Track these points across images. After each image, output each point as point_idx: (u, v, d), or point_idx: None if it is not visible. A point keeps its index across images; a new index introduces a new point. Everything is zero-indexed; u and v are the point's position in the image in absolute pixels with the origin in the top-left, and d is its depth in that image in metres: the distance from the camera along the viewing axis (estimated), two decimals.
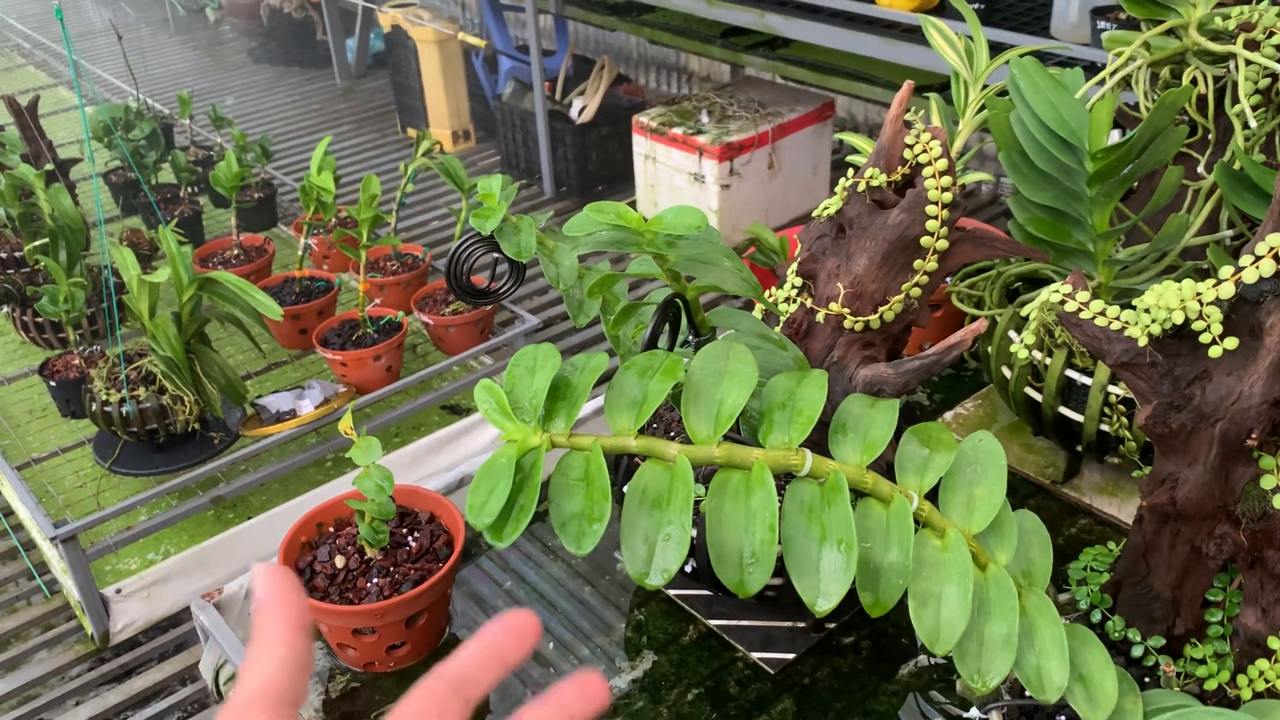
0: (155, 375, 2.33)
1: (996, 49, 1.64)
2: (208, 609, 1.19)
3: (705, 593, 1.24)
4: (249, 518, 2.48)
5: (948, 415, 1.53)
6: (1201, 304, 0.85)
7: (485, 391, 0.76)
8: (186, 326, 2.29)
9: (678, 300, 0.97)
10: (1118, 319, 0.91)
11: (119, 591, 2.30)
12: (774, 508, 0.76)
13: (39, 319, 2.79)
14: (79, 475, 2.55)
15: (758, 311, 1.18)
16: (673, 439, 1.28)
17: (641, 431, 0.81)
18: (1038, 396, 1.34)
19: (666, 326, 0.99)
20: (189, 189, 3.40)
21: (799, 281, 1.21)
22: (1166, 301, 0.86)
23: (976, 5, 2.66)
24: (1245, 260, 0.84)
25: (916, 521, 0.83)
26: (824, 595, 0.76)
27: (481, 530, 0.72)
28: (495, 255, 1.09)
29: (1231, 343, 0.84)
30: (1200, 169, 1.31)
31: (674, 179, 3.62)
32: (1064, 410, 1.32)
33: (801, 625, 1.20)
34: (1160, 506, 0.92)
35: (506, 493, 0.71)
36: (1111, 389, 1.26)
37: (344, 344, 2.59)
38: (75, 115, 4.87)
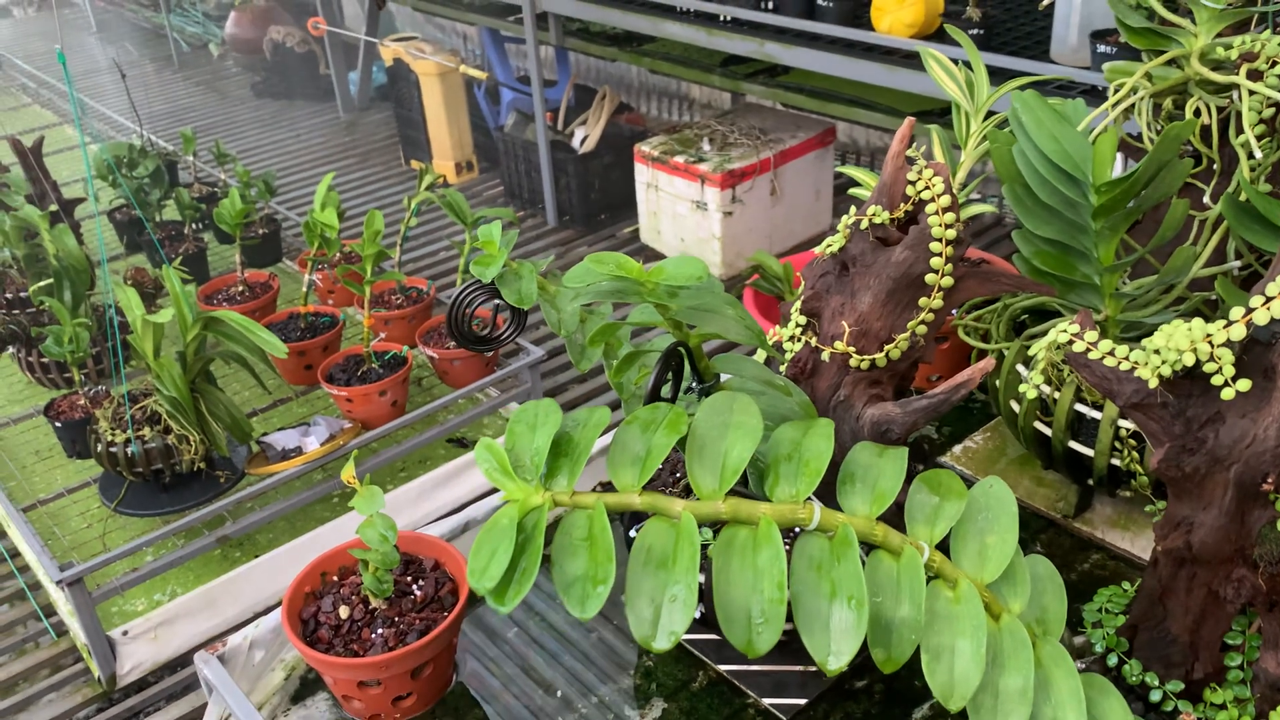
0: (160, 415, 2.32)
1: (996, 74, 1.64)
2: (211, 662, 1.18)
3: (715, 637, 1.22)
4: (256, 556, 2.47)
5: (956, 449, 1.52)
6: (1212, 345, 0.84)
7: (486, 451, 0.75)
8: (191, 365, 2.28)
9: (680, 349, 0.96)
10: (1127, 359, 0.90)
11: (126, 633, 2.29)
12: (782, 565, 0.75)
13: (44, 359, 2.79)
14: (85, 516, 2.54)
15: (760, 355, 1.16)
16: (679, 480, 1.27)
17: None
18: (1047, 431, 1.32)
19: (669, 374, 0.98)
20: (193, 226, 3.41)
21: (803, 320, 1.20)
22: (1176, 343, 0.85)
23: (974, 31, 2.65)
24: (1256, 301, 0.83)
25: (928, 573, 0.82)
26: (835, 654, 0.74)
27: (484, 595, 0.70)
28: (497, 301, 1.08)
29: (1244, 385, 0.83)
30: (1206, 199, 1.30)
31: (676, 207, 3.61)
32: (1074, 444, 1.30)
33: (813, 669, 1.18)
34: (1176, 550, 0.90)
35: (509, 556, 0.69)
36: (1122, 423, 1.25)
37: (349, 379, 2.59)
38: (80, 154, 4.89)
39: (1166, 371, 0.86)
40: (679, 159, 3.53)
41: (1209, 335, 0.84)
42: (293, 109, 5.72)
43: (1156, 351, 0.86)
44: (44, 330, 2.59)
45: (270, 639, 1.23)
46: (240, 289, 3.03)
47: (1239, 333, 0.82)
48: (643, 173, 3.69)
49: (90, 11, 7.45)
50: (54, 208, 2.85)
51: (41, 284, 2.65)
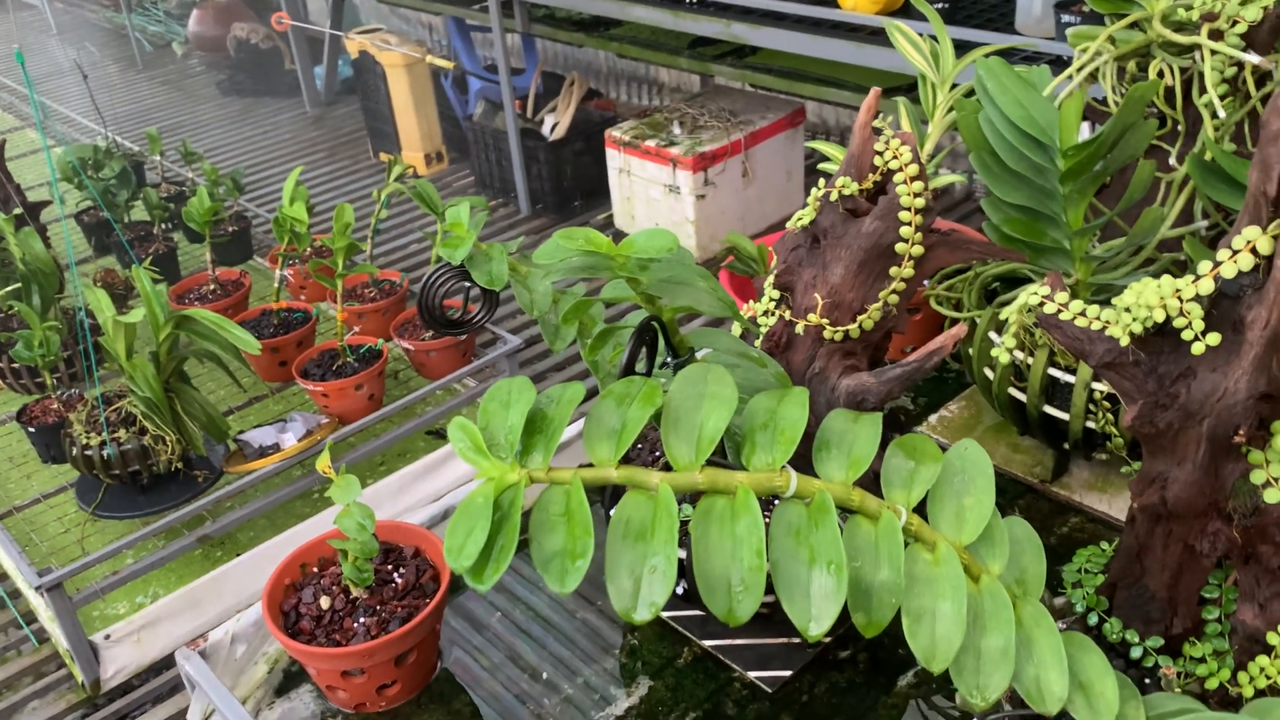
0: (135, 416, 2.30)
1: (962, 47, 1.64)
2: (193, 658, 1.17)
3: (699, 614, 1.22)
4: (237, 555, 2.45)
5: (932, 418, 1.52)
6: (1181, 301, 0.84)
7: (459, 430, 0.75)
8: (165, 365, 2.26)
9: (654, 323, 0.95)
10: (1098, 319, 0.90)
11: (108, 637, 2.27)
12: (760, 533, 0.75)
13: (14, 365, 2.75)
14: (62, 521, 2.51)
15: (736, 329, 1.16)
16: (658, 458, 1.27)
17: (626, 453, 0.80)
18: (1022, 396, 1.33)
19: (644, 350, 0.97)
20: (162, 226, 3.37)
21: (776, 294, 1.20)
22: (1146, 300, 0.85)
23: (940, 4, 2.65)
24: (1223, 255, 0.83)
25: (906, 536, 0.82)
26: (816, 619, 0.75)
27: (461, 573, 0.70)
28: (467, 284, 1.07)
29: (1214, 338, 0.83)
30: (1172, 160, 1.30)
31: (649, 191, 3.61)
32: (1049, 409, 1.31)
33: (797, 641, 1.18)
34: (1152, 507, 0.91)
35: (485, 533, 0.69)
36: (1095, 386, 1.26)
37: (324, 374, 2.57)
38: (44, 157, 4.83)
39: (1137, 329, 0.86)
40: (650, 143, 3.52)
41: (1178, 291, 0.84)
42: (259, 106, 5.66)
43: (1127, 309, 0.86)
44: (13, 335, 2.55)
45: (252, 633, 1.22)
46: (212, 287, 3.00)
47: (1207, 287, 0.83)
48: (614, 158, 3.68)
49: (49, 13, 7.35)
50: (19, 211, 2.81)
51: (9, 289, 2.61)
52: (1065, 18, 2.31)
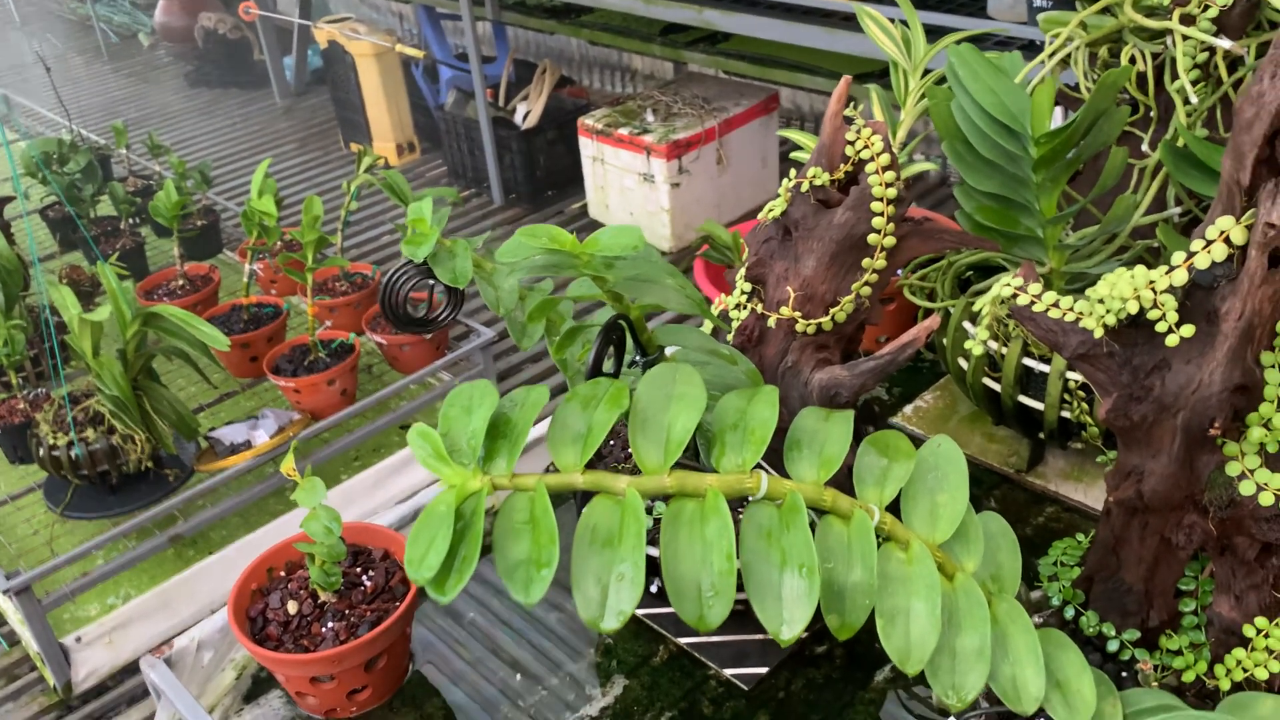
0: (103, 415, 2.26)
1: (934, 33, 1.62)
2: (158, 665, 1.15)
3: (673, 611, 1.21)
4: (210, 554, 2.42)
5: (907, 409, 1.51)
6: (1155, 292, 0.83)
7: (419, 438, 0.73)
8: (132, 363, 2.22)
9: (621, 321, 0.94)
10: (1071, 310, 0.89)
11: (79, 640, 2.24)
12: (730, 536, 0.73)
13: None
14: (31, 523, 2.48)
15: (707, 325, 1.15)
16: (628, 459, 1.25)
17: (598, 451, 0.78)
18: (996, 386, 1.32)
19: (611, 349, 0.96)
20: (129, 220, 3.32)
21: (748, 287, 1.18)
22: (1120, 291, 0.84)
23: None
24: (1196, 245, 0.82)
25: (879, 535, 0.81)
26: (788, 623, 0.73)
27: (422, 585, 0.68)
28: (431, 281, 1.05)
29: (1188, 330, 0.82)
30: (1145, 147, 1.29)
31: (623, 180, 3.58)
32: (1023, 399, 1.30)
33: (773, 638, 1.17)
34: (1127, 500, 0.90)
35: (447, 543, 0.67)
36: (1070, 375, 1.25)
37: (296, 370, 2.54)
38: (5, 151, 4.75)
39: (1111, 320, 0.85)
40: (623, 131, 3.50)
41: (1152, 282, 0.83)
42: (227, 97, 5.60)
43: (1100, 301, 0.85)
44: None
45: (218, 639, 1.20)
46: (180, 283, 2.96)
47: (1181, 278, 0.82)
48: (588, 146, 3.66)
49: (12, 4, 7.24)
50: None
51: None
52: (1037, 2, 2.31)
